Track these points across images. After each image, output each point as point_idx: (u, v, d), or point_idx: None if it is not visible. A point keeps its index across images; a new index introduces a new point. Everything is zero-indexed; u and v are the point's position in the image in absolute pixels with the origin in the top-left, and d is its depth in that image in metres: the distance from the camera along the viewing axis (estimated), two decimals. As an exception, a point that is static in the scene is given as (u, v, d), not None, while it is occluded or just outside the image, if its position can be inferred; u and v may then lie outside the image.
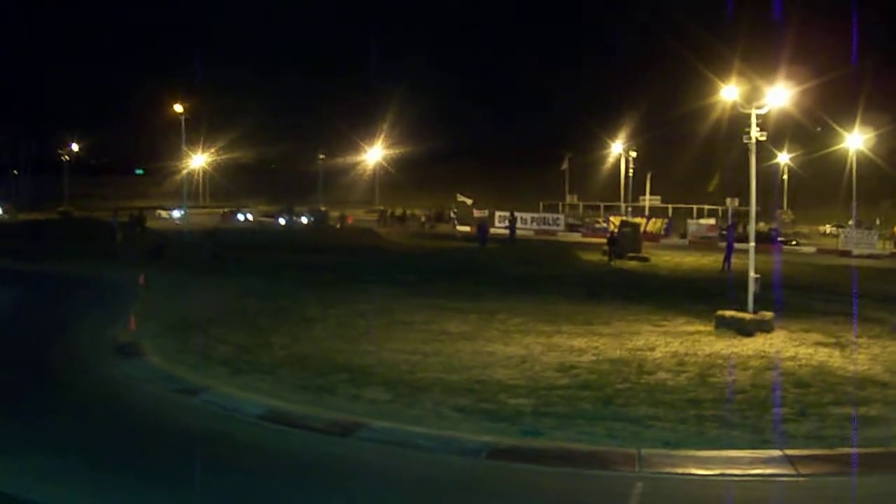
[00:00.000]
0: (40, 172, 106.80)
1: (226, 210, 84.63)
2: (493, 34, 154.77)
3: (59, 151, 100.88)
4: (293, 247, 48.24)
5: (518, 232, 60.23)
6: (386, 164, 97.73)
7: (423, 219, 79.44)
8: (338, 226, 72.25)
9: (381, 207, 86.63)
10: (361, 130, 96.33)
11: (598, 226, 66.27)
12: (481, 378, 15.93)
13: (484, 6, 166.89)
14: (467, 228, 66.23)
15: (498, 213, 71.21)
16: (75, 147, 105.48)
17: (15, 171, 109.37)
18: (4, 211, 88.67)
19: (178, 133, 59.36)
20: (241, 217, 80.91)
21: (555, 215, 74.93)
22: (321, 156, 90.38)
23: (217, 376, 16.18)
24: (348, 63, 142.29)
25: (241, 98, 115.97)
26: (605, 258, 44.14)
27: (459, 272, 35.43)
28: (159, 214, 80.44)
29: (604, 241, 48.91)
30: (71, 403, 14.57)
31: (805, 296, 28.48)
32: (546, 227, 70.11)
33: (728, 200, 66.88)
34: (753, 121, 21.90)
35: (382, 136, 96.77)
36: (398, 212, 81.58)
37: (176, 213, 79.82)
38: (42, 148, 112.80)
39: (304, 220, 75.80)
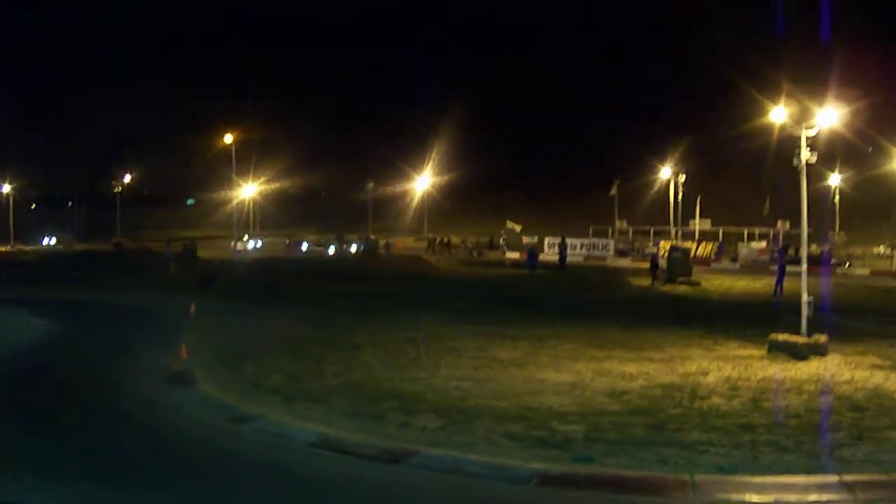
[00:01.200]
0: (94, 203, 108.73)
1: (289, 240, 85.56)
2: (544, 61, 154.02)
3: (113, 182, 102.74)
4: (343, 275, 48.86)
5: (567, 258, 60.08)
6: (434, 192, 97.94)
7: (471, 246, 79.59)
8: (383, 252, 72.38)
9: (430, 235, 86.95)
10: (411, 158, 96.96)
11: (647, 251, 65.67)
12: (532, 405, 15.83)
13: (542, 40, 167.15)
14: (516, 255, 66.34)
15: (547, 240, 70.80)
16: (128, 178, 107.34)
17: (70, 203, 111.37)
18: (59, 241, 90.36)
19: (229, 163, 60.45)
20: (304, 247, 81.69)
21: (604, 241, 74.48)
22: (370, 184, 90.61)
23: (268, 404, 16.20)
24: (397, 90, 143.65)
25: (291, 128, 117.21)
26: (655, 281, 43.97)
27: (509, 299, 35.53)
28: (236, 247, 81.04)
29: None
30: (121, 431, 14.65)
31: (859, 318, 28.09)
32: (595, 253, 69.75)
33: (779, 223, 66.09)
34: (803, 142, 21.65)
35: (431, 163, 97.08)
36: (447, 239, 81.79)
37: (252, 244, 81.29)
38: (95, 179, 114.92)
39: (354, 248, 76.32)
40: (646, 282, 45.00)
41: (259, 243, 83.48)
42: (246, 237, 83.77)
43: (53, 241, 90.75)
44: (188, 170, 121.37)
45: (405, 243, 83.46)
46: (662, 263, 47.09)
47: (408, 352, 21.91)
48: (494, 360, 20.52)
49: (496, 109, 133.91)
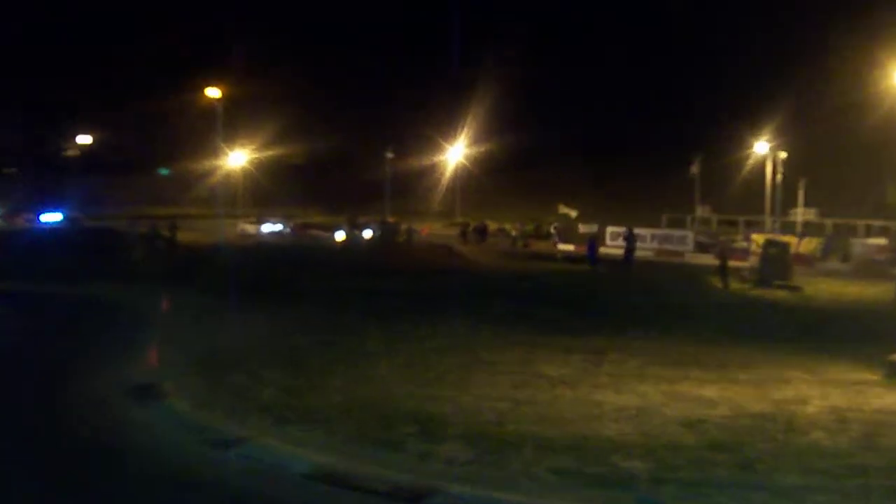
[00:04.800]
0: (44, 171, 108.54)
1: (249, 221, 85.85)
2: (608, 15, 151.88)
3: (65, 145, 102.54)
4: (354, 268, 49.03)
5: (636, 252, 59.73)
6: (469, 167, 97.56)
7: (515, 234, 79.55)
8: (404, 240, 72.59)
9: (464, 220, 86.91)
10: (440, 124, 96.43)
11: (735, 245, 65.12)
12: (586, 433, 15.73)
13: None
14: (570, 247, 66.24)
15: (610, 229, 70.79)
16: (84, 140, 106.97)
17: (12, 170, 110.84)
18: (2, 217, 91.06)
19: (213, 125, 60.51)
20: (271, 228, 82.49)
21: (681, 232, 74.33)
22: (390, 154, 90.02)
23: (256, 425, 16.20)
24: (425, 41, 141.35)
25: (291, 84, 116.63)
26: (744, 284, 43.73)
27: (560, 301, 35.45)
28: (243, 230, 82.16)
29: (743, 264, 48.33)
30: (77, 459, 14.71)
31: None
32: (670, 247, 69.67)
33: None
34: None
35: (465, 131, 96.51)
36: (484, 225, 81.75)
37: (268, 228, 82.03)
38: (45, 142, 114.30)
39: (368, 234, 76.46)
40: (734, 284, 44.76)
41: (279, 227, 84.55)
42: (258, 220, 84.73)
43: None
44: (162, 132, 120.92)
45: (432, 229, 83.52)
46: (753, 261, 46.82)
47: (432, 364, 21.83)
48: (540, 376, 20.41)
49: (547, 67, 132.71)
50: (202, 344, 24.17)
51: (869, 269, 55.63)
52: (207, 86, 64.24)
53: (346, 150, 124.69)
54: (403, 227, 77.73)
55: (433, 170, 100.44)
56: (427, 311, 31.74)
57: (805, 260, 58.31)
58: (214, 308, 31.74)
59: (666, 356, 23.19)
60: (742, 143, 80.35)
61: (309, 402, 17.88)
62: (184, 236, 67.56)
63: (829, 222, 75.58)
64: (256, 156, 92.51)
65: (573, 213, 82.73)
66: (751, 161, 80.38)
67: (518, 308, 32.86)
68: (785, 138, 74.74)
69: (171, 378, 20.01)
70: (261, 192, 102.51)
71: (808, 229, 71.78)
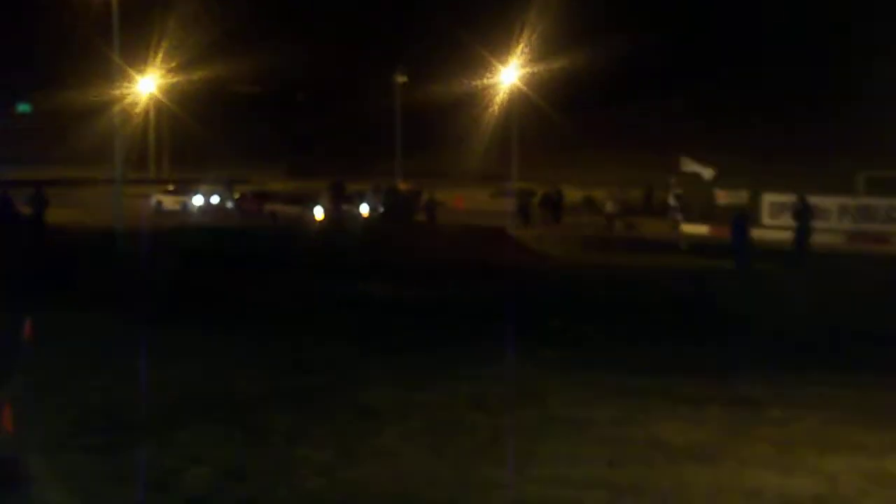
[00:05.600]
0: None
1: (167, 190, 73.16)
2: None
3: None
4: (341, 266, 39.74)
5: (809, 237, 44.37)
6: (532, 98, 74.58)
7: (610, 209, 64.15)
8: (425, 219, 58.88)
9: (524, 186, 68.74)
10: (479, 33, 76.49)
11: None
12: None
13: None
14: (703, 229, 55.88)
15: (768, 198, 57.17)
16: None
17: None
18: None
19: (107, 33, 48.28)
20: (204, 202, 70.23)
21: (888, 201, 56.47)
22: (401, 78, 71.49)
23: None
24: None
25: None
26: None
27: (683, 320, 28.75)
28: (159, 203, 70.24)
29: None
30: None
31: None
32: (872, 227, 55.04)
33: None
34: None
35: (521, 46, 73.39)
36: (556, 195, 64.95)
37: (199, 201, 70.13)
38: None
39: (365, 209, 62.26)
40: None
41: (217, 199, 71.58)
42: (182, 189, 71.99)
43: None
44: (22, 45, 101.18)
45: (471, 201, 73.31)
46: None
47: (471, 425, 16.47)
48: (654, 444, 15.22)
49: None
50: (92, 394, 18.27)
51: None
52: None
53: (329, 73, 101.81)
54: (424, 196, 61.89)
55: (470, 104, 78.49)
56: (462, 338, 25.06)
57: None
58: (111, 333, 24.63)
59: (867, 410, 17.68)
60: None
61: (267, 494, 13.15)
62: (57, 215, 53.55)
63: None
64: (180, 81, 74.41)
65: (707, 174, 63.66)
66: None
67: (614, 333, 26.18)
68: None
69: (41, 452, 14.82)
70: (189, 142, 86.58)
71: None
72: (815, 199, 46.27)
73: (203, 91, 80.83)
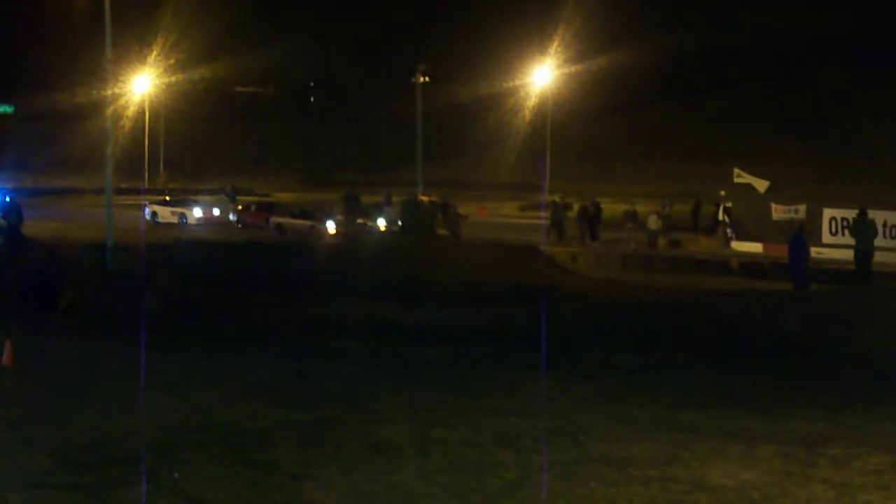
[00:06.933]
0: None
1: (162, 201, 70.85)
2: None
3: None
4: (354, 285, 37.97)
5: (878, 256, 40.51)
6: (563, 94, 70.85)
7: (651, 225, 59.05)
8: (447, 233, 54.76)
9: (557, 197, 63.32)
10: (508, 30, 76.10)
11: None
12: None
13: None
14: (757, 246, 53.76)
15: (828, 213, 52.47)
16: None
17: None
18: None
19: (98, 31, 45.17)
20: (203, 213, 67.74)
21: None
22: (421, 77, 65.89)
23: None
24: None
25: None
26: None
27: (733, 349, 27.30)
28: (154, 215, 67.08)
29: None
30: None
31: None
32: None
33: None
34: None
35: (556, 43, 70.05)
36: (593, 208, 59.58)
37: (199, 212, 67.39)
38: None
39: (382, 223, 58.34)
40: None
41: (218, 211, 68.93)
42: (178, 199, 69.98)
43: None
44: (6, 42, 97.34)
45: (498, 214, 69.51)
46: None
47: (500, 462, 14.98)
48: (701, 486, 13.92)
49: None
50: (82, 424, 16.95)
51: None
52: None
53: (342, 72, 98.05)
54: (453, 210, 57.68)
55: (498, 106, 74.88)
56: (488, 367, 23.67)
57: None
58: (101, 358, 23.75)
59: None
60: None
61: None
62: (36, 228, 51.44)
63: None
64: (179, 80, 71.16)
65: (761, 186, 62.07)
66: None
67: (656, 362, 24.50)
68: None
69: (19, 489, 13.66)
70: (190, 148, 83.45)
71: None
72: (880, 215, 44.86)
73: (205, 92, 78.15)
